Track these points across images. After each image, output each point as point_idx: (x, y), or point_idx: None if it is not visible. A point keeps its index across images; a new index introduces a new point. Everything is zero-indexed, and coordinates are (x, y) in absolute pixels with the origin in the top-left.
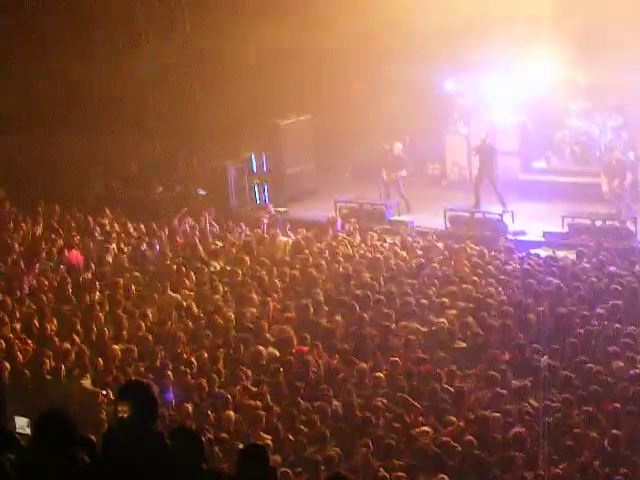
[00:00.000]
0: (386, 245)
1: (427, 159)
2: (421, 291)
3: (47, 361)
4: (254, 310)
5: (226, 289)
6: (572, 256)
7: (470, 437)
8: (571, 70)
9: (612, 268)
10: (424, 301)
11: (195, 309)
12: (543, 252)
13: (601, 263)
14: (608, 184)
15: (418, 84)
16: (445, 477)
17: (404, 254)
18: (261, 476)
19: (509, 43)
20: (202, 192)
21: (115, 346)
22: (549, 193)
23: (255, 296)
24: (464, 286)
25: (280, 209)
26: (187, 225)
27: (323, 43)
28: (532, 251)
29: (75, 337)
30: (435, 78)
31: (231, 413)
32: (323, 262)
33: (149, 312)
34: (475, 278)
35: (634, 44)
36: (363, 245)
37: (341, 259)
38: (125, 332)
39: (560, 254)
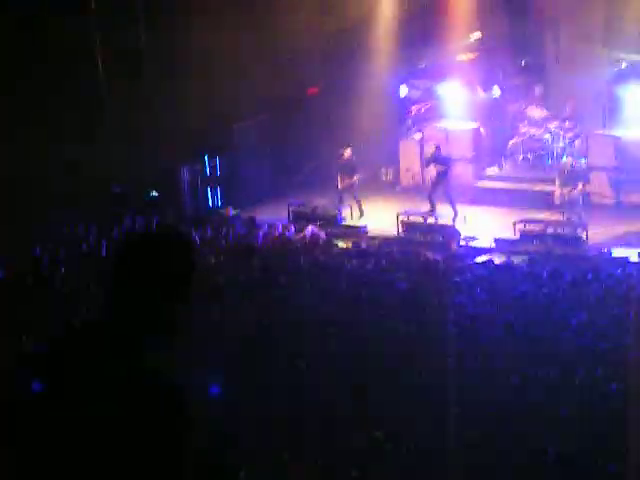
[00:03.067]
0: None
1: (381, 165)
2: None
3: None
4: None
5: None
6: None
7: None
8: (526, 77)
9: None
10: None
11: None
12: (496, 258)
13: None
14: (560, 191)
15: (372, 89)
16: None
17: None
18: None
19: (465, 49)
20: (154, 193)
21: None
22: (501, 200)
23: None
24: None
25: (234, 211)
26: None
27: (279, 46)
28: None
29: None
30: (389, 84)
31: None
32: None
33: None
34: None
35: (587, 54)
36: None
37: None
38: None
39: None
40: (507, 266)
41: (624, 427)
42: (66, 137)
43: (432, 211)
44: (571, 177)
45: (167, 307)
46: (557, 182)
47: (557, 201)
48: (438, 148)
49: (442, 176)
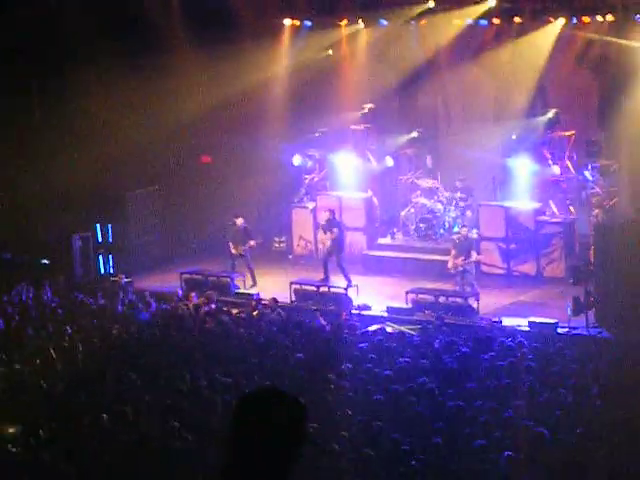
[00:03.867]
0: None
1: (274, 233)
2: None
3: None
4: None
5: None
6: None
7: None
8: (418, 148)
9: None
10: None
11: None
12: (389, 327)
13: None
14: (454, 261)
15: (266, 158)
16: None
17: None
18: None
19: (358, 120)
20: (45, 261)
21: None
22: (394, 268)
23: None
24: None
25: (126, 279)
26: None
27: (172, 114)
28: (373, 327)
29: None
30: (283, 152)
31: None
32: None
33: None
34: None
35: (478, 127)
36: None
37: None
38: None
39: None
40: (398, 336)
41: None
42: None
43: (325, 279)
44: (464, 247)
45: (279, 465)
46: (452, 252)
47: (452, 271)
48: (332, 213)
49: (336, 243)
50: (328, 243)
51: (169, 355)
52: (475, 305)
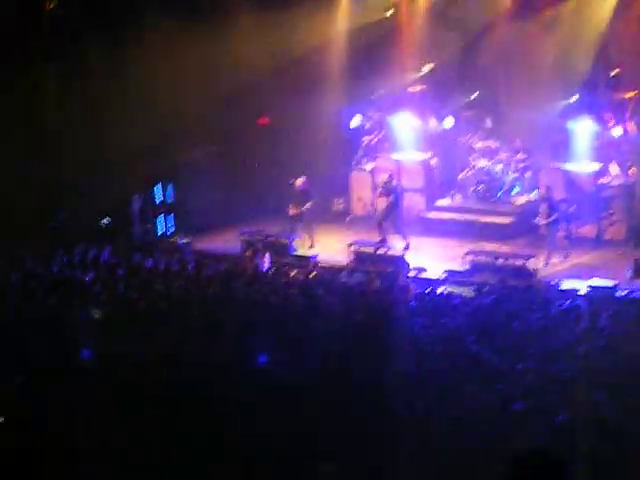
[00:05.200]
0: None
1: (332, 195)
2: None
3: None
4: None
5: None
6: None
7: None
8: (477, 110)
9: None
10: None
11: None
12: (446, 290)
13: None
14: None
15: (324, 119)
16: None
17: None
18: None
19: (417, 81)
20: (106, 221)
21: None
22: (452, 231)
23: None
24: None
25: (185, 240)
26: None
27: (231, 76)
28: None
29: None
30: (342, 114)
31: None
32: None
33: None
34: None
35: (538, 88)
36: None
37: None
38: None
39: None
40: (455, 297)
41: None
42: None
43: (383, 242)
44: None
45: None
46: (540, 213)
47: (543, 231)
48: (391, 177)
49: (393, 206)
50: (385, 206)
51: (231, 316)
52: (533, 267)
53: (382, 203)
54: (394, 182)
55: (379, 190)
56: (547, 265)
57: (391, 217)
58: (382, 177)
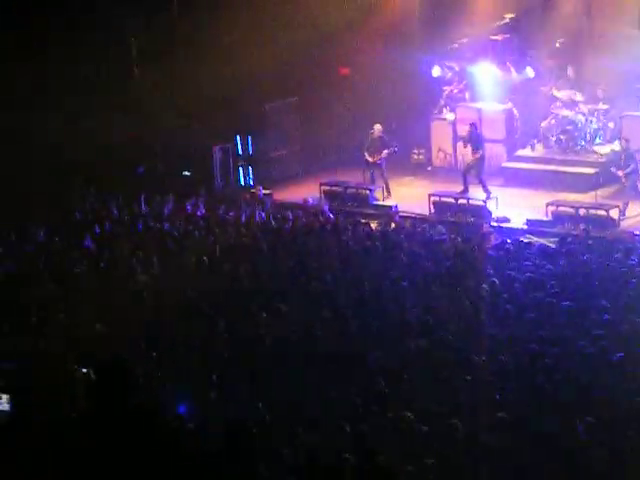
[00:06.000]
0: None
1: (413, 144)
2: None
3: None
4: None
5: None
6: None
7: None
8: (559, 59)
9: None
10: None
11: None
12: (526, 239)
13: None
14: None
15: (404, 69)
16: None
17: None
18: None
19: (498, 30)
20: (187, 173)
21: None
22: (534, 181)
23: None
24: None
25: (265, 191)
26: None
27: (311, 26)
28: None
29: None
30: (422, 64)
31: None
32: None
33: None
34: None
35: (621, 35)
36: None
37: None
38: None
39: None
40: (539, 247)
41: None
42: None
43: (464, 191)
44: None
45: None
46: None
47: (625, 183)
48: (474, 127)
49: (477, 157)
50: (469, 157)
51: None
52: (617, 218)
53: (464, 153)
54: (478, 131)
55: (462, 139)
56: (624, 215)
57: (474, 167)
58: (466, 126)
